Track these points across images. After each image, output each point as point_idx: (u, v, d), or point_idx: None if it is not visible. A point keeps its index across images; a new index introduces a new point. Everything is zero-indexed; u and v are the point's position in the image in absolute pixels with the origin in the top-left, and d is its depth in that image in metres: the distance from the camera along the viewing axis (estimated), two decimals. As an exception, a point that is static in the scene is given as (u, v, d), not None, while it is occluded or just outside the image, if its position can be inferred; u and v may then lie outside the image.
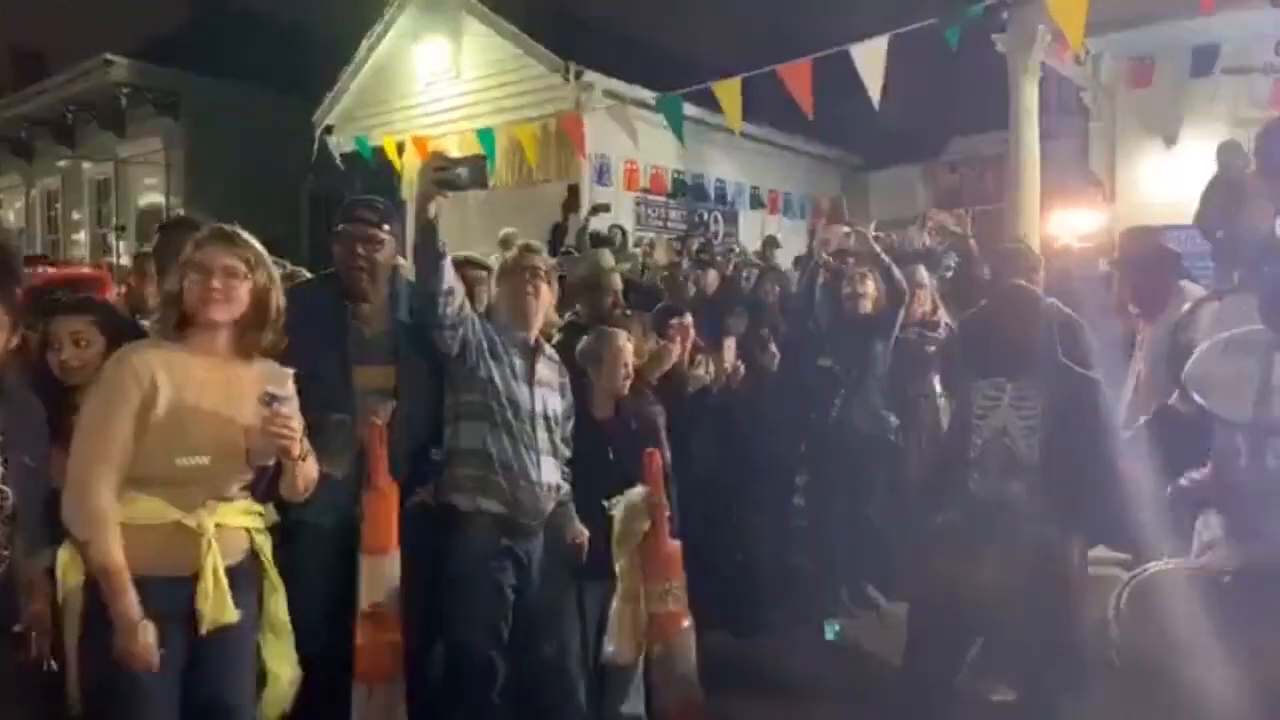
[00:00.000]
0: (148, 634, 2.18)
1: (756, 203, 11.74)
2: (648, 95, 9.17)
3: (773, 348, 4.68)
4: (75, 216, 14.19)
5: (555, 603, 3.18)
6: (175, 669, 2.27)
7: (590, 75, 9.22)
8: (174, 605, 2.25)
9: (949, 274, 5.82)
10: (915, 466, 4.60)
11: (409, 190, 9.59)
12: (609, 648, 3.08)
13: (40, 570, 2.34)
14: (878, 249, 4.73)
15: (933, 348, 4.85)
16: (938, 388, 4.75)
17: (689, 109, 8.72)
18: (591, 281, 4.25)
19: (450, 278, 2.99)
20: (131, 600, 2.20)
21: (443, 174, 2.85)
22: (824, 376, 4.74)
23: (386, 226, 3.07)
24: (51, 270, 3.83)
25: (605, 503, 3.10)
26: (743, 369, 4.40)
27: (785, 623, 4.49)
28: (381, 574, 2.77)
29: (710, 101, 7.84)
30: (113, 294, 4.43)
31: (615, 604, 3.06)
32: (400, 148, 9.97)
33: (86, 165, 13.81)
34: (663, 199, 10.20)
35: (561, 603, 3.20)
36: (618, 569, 3.07)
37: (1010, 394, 3.17)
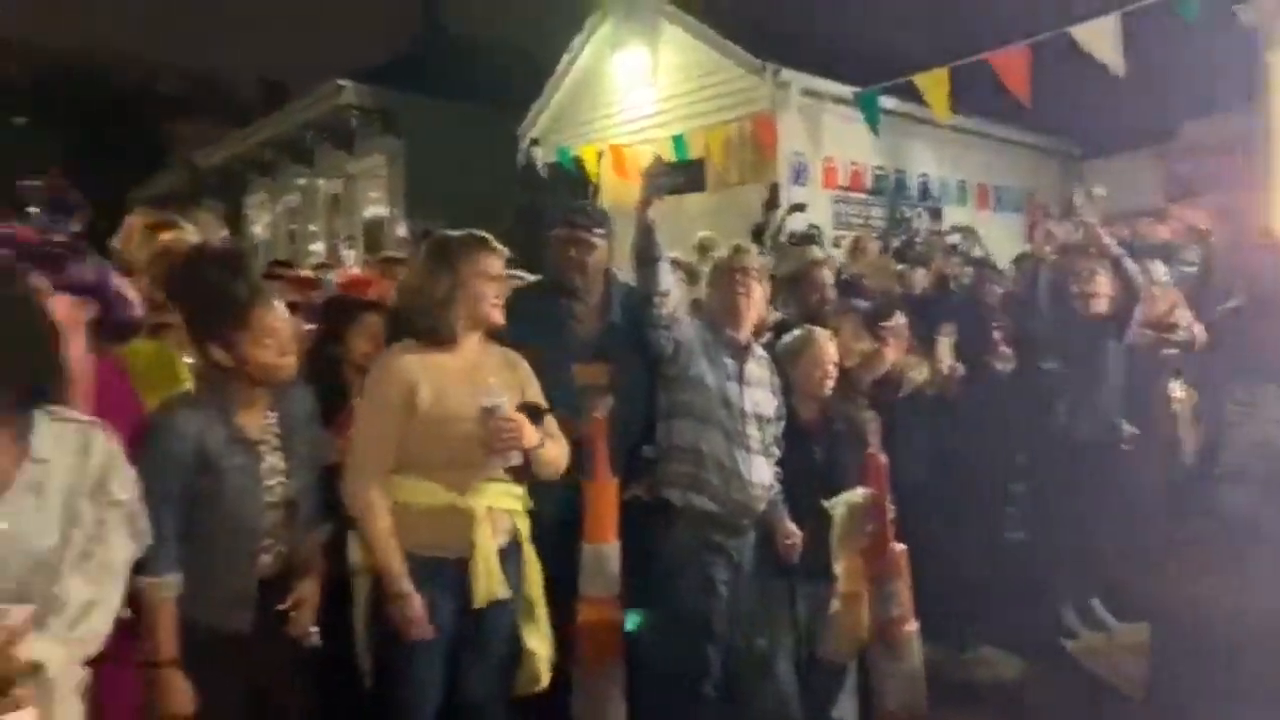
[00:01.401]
0: (419, 607, 2.43)
1: (964, 198, 11.21)
2: (846, 91, 8.99)
3: (1005, 349, 4.45)
4: (311, 229, 15.63)
5: (767, 601, 3.18)
6: (446, 640, 2.50)
7: (787, 74, 9.13)
8: (448, 581, 2.48)
9: (1191, 270, 5.33)
10: (1152, 477, 4.25)
11: (607, 198, 9.87)
12: (826, 648, 3.06)
13: (314, 548, 2.53)
14: (1110, 243, 4.40)
15: (1172, 351, 4.46)
16: (1177, 393, 4.36)
17: (891, 103, 8.48)
18: (799, 277, 4.22)
19: (667, 279, 3.07)
20: (402, 576, 2.45)
21: (660, 179, 2.97)
22: (1049, 380, 4.47)
23: (600, 230, 3.19)
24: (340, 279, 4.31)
25: (825, 503, 3.08)
26: (961, 370, 4.22)
27: (1003, 639, 4.27)
28: (602, 562, 2.88)
29: (912, 94, 7.60)
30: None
31: (834, 605, 3.03)
32: (599, 156, 10.29)
33: (321, 182, 15.18)
34: (862, 196, 9.95)
35: (773, 601, 3.20)
36: (837, 570, 3.03)
37: (1273, 401, 2.87)
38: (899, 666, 2.99)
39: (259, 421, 2.42)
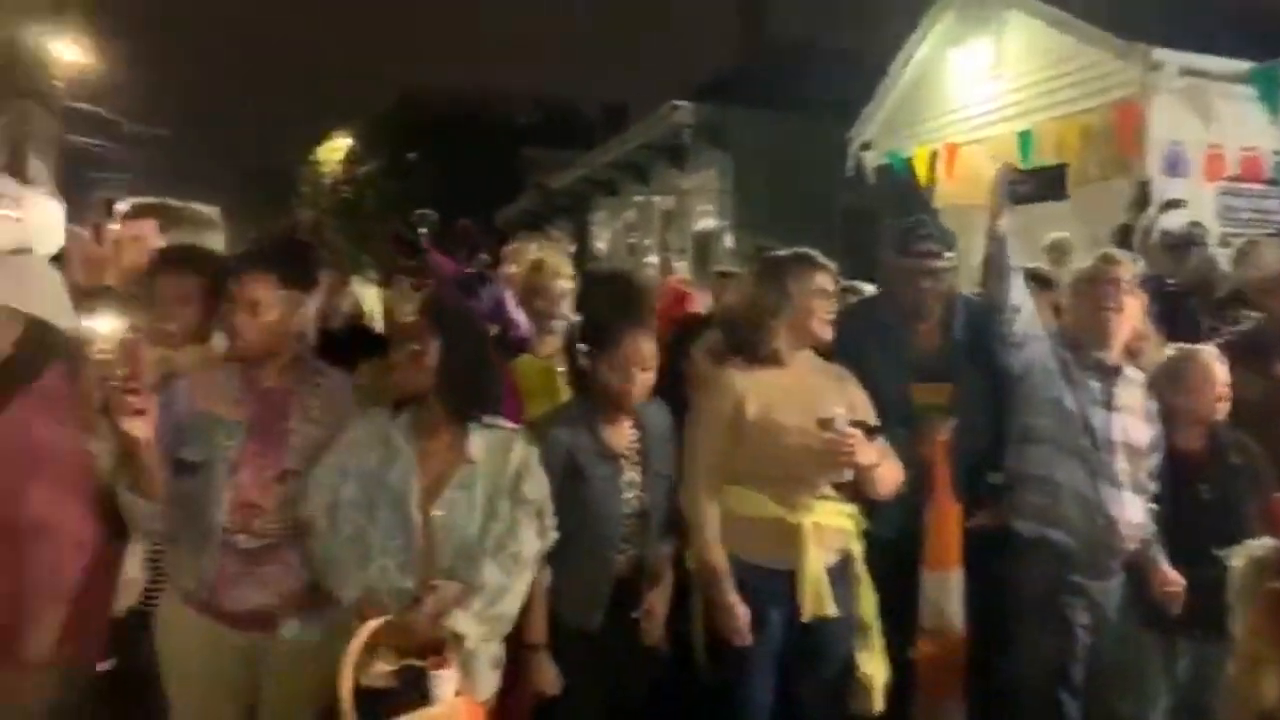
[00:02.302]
0: (743, 616, 2.49)
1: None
2: (1238, 67, 7.79)
3: None
4: (647, 242, 16.57)
5: (1137, 657, 2.83)
6: (774, 650, 2.53)
7: (1161, 53, 8.08)
8: (775, 593, 2.52)
9: None
10: None
11: (941, 200, 9.39)
12: (1219, 715, 2.65)
13: (663, 558, 2.67)
14: None
15: None
16: None
17: (1296, 77, 7.23)
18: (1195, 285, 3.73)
19: (1019, 294, 2.85)
20: (726, 587, 2.52)
21: (1014, 187, 2.76)
22: None
23: (950, 254, 3.01)
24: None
25: (1218, 552, 2.67)
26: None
27: None
28: (944, 591, 2.75)
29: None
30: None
31: (1231, 669, 2.61)
32: (933, 157, 9.82)
33: (656, 199, 16.04)
34: (1259, 188, 8.51)
35: (1145, 658, 2.83)
36: (1236, 630, 2.62)
37: None
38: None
39: (623, 436, 2.60)
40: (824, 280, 2.64)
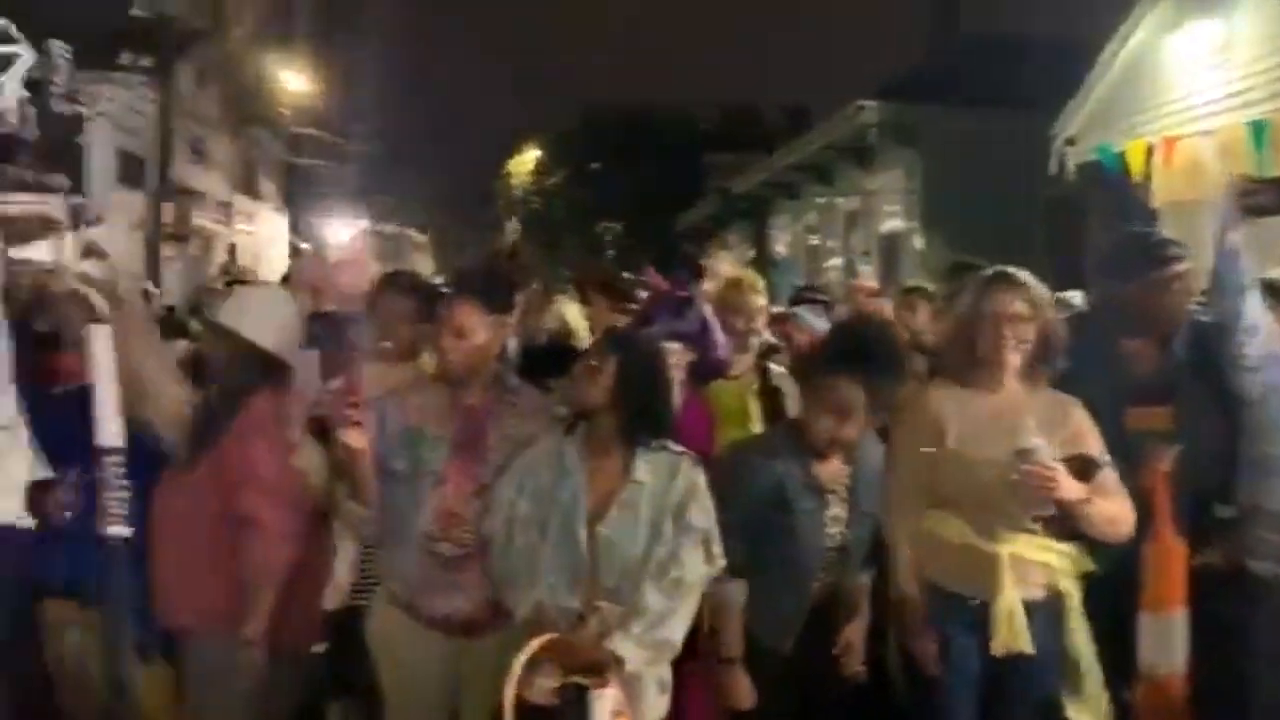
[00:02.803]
0: (932, 643, 2.45)
1: None
2: None
3: None
4: (829, 245, 16.27)
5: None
6: (970, 681, 2.46)
7: None
8: (969, 623, 2.44)
9: None
10: None
11: (1159, 197, 8.68)
12: None
13: (861, 589, 2.68)
14: None
15: None
16: None
17: None
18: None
19: (1255, 312, 2.61)
20: (917, 611, 2.49)
21: (1250, 199, 2.53)
22: None
23: (1188, 260, 2.79)
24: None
25: None
26: None
27: None
28: (1165, 634, 2.56)
29: None
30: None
31: None
32: (1148, 151, 9.09)
33: (839, 200, 15.72)
34: None
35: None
36: None
37: None
38: None
39: (834, 471, 2.60)
40: (1016, 302, 2.48)
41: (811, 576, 2.57)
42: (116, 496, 2.05)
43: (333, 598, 2.68)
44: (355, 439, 2.23)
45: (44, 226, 9.93)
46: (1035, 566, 2.44)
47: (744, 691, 2.51)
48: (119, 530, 2.06)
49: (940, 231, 11.60)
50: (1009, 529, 2.42)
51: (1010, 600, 2.38)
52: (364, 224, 19.78)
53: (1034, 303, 2.46)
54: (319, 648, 2.71)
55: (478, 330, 2.44)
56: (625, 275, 3.38)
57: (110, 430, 2.04)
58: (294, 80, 19.61)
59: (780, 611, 2.56)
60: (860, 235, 14.97)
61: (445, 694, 2.50)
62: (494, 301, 2.50)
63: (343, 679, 2.84)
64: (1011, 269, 2.58)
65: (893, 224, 13.87)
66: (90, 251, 2.09)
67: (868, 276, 11.18)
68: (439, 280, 3.37)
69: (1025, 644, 2.37)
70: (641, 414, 2.27)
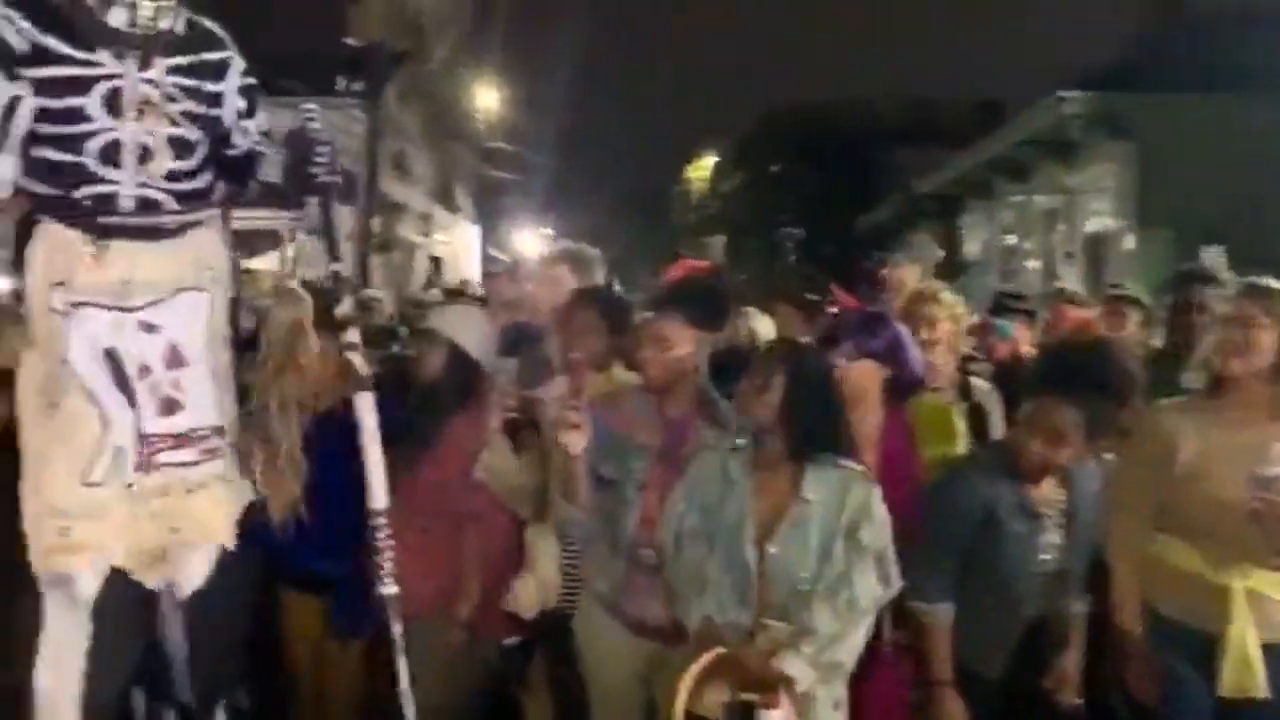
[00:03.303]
0: (1150, 674, 2.36)
1: None
2: None
3: None
4: (1026, 246, 15.33)
5: None
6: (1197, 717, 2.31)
7: None
8: (1194, 655, 2.31)
9: None
10: None
11: None
12: None
13: (1076, 618, 2.56)
14: None
15: None
16: None
17: None
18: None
19: None
20: (1135, 637, 2.39)
21: None
22: None
23: None
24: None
25: None
26: None
27: None
28: None
29: None
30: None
31: None
32: None
33: (1037, 198, 14.78)
34: None
35: None
36: None
37: None
38: None
39: (1048, 495, 2.48)
40: (1262, 316, 2.32)
41: (1022, 601, 2.48)
42: (387, 558, 2.17)
43: (544, 596, 2.78)
44: (575, 442, 2.29)
45: (269, 241, 10.90)
46: (1277, 605, 2.26)
47: (957, 715, 2.44)
48: (391, 590, 2.18)
49: (1159, 232, 10.67)
50: (1246, 561, 2.25)
51: (1242, 637, 2.21)
52: (549, 233, 20.52)
53: (1272, 312, 2.29)
54: (513, 640, 2.89)
55: (680, 344, 2.48)
56: (810, 293, 3.30)
57: (379, 494, 2.16)
58: (486, 95, 20.61)
59: (988, 637, 2.48)
60: (1062, 236, 14.02)
61: (643, 697, 2.54)
62: (704, 319, 2.55)
63: (551, 675, 2.94)
64: (1263, 279, 2.40)
65: (1100, 223, 12.91)
66: (347, 323, 2.28)
67: (1070, 280, 10.45)
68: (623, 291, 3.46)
69: (1259, 687, 2.19)
70: (811, 431, 2.23)
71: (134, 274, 2.00)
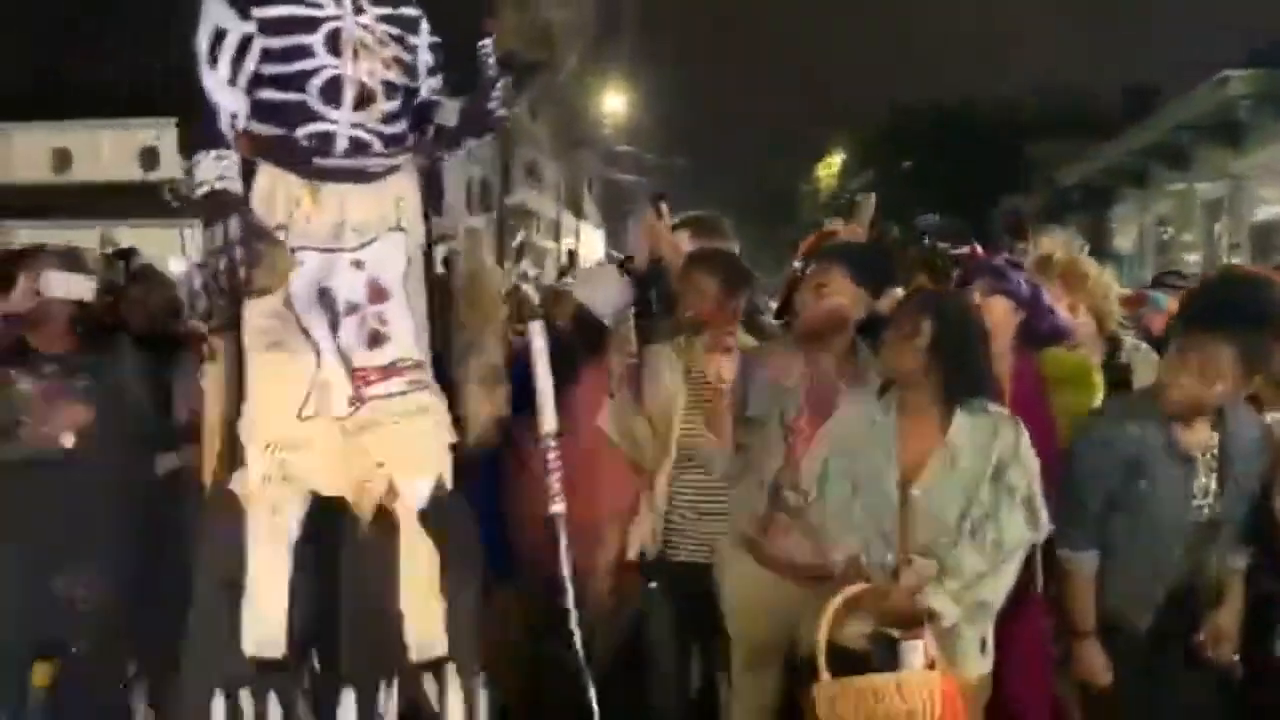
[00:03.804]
0: None
1: None
2: None
3: None
4: (1186, 237, 14.36)
5: None
6: None
7: None
8: None
9: None
10: None
11: None
12: None
13: (1234, 573, 2.46)
14: None
15: None
16: None
17: None
18: None
19: None
20: None
21: None
22: None
23: None
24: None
25: None
26: None
27: None
28: None
29: None
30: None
31: None
32: None
33: (1200, 186, 13.82)
34: None
35: None
36: None
37: None
38: None
39: (1200, 437, 2.39)
40: None
41: (1173, 550, 2.39)
42: (556, 479, 2.30)
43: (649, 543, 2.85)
44: (726, 369, 2.45)
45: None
46: None
47: (1099, 667, 2.39)
48: (559, 508, 2.31)
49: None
50: None
51: None
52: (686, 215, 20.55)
53: None
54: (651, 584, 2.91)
55: (839, 293, 2.53)
56: (944, 248, 3.26)
57: (549, 417, 2.29)
58: (614, 100, 20.88)
59: (1137, 588, 2.40)
60: (1226, 225, 13.05)
61: (785, 635, 2.54)
62: (866, 276, 2.58)
63: (690, 619, 2.93)
64: None
65: (1270, 211, 11.96)
66: (521, 253, 2.45)
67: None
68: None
69: None
70: (959, 374, 2.22)
71: (345, 216, 2.06)
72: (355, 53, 2.07)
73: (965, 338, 2.26)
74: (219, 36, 2.00)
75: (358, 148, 2.09)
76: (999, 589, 2.17)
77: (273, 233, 1.94)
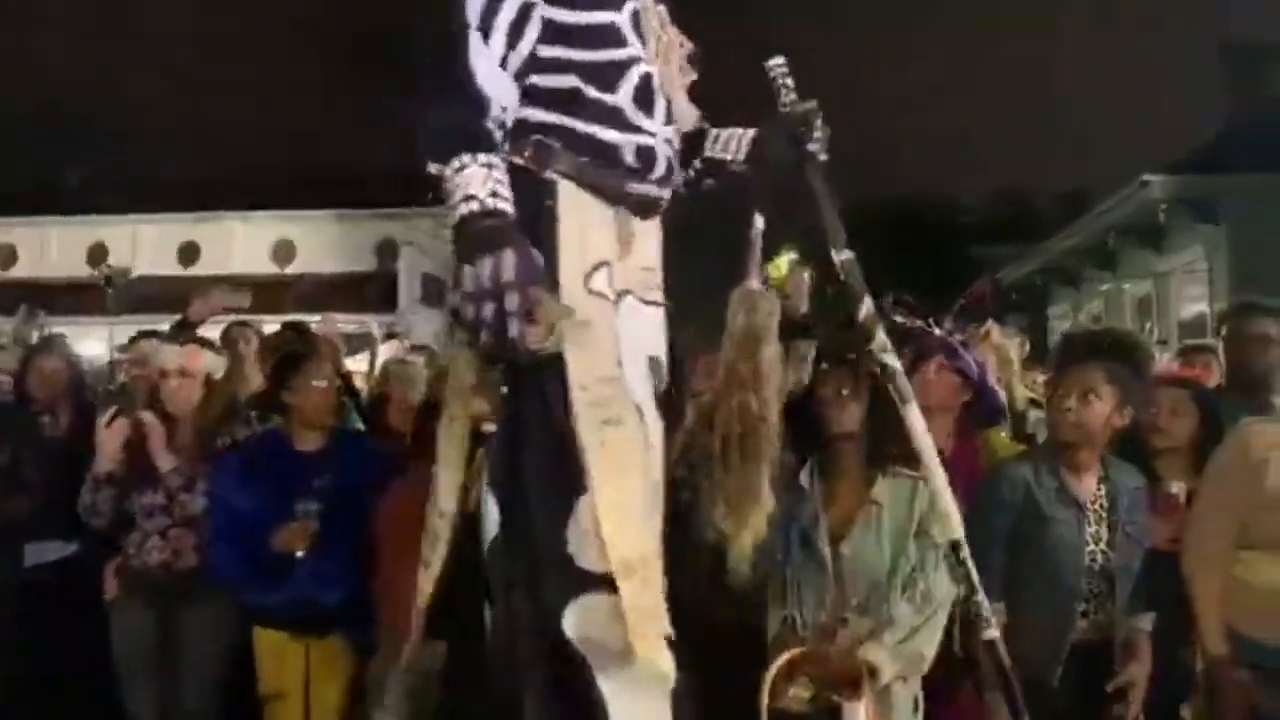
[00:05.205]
0: (1243, 698, 2.31)
1: None
2: None
3: None
4: (1117, 334, 14.85)
5: None
6: None
7: None
8: (1275, 673, 2.28)
9: None
10: None
11: None
12: None
13: (1140, 634, 2.51)
14: None
15: None
16: None
17: None
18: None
19: None
20: (1222, 660, 2.34)
21: None
22: None
23: None
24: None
25: None
26: None
27: None
28: None
29: None
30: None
31: None
32: None
33: (1127, 285, 14.40)
34: None
35: None
36: None
37: None
38: None
39: (1089, 488, 2.51)
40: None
41: (1074, 599, 2.46)
42: None
43: None
44: None
45: (363, 343, 11.45)
46: None
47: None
48: None
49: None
50: None
51: None
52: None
53: None
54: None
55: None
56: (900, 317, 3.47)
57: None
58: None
59: (1041, 637, 2.45)
60: (1156, 322, 13.58)
61: None
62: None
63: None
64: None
65: (1195, 308, 12.47)
66: (872, 327, 2.29)
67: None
68: None
69: None
70: (885, 443, 2.29)
71: (648, 258, 1.59)
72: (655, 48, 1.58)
73: (886, 409, 2.28)
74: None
75: (669, 171, 1.61)
76: (931, 641, 2.23)
77: (543, 277, 1.36)
